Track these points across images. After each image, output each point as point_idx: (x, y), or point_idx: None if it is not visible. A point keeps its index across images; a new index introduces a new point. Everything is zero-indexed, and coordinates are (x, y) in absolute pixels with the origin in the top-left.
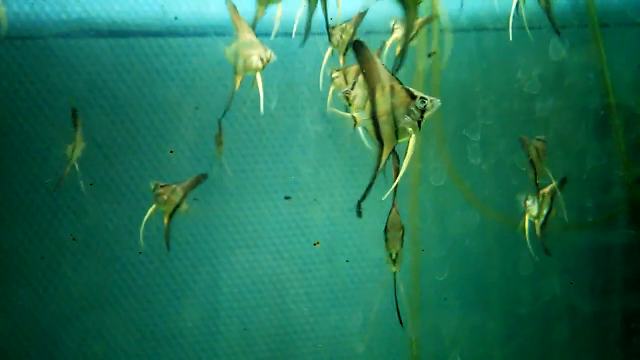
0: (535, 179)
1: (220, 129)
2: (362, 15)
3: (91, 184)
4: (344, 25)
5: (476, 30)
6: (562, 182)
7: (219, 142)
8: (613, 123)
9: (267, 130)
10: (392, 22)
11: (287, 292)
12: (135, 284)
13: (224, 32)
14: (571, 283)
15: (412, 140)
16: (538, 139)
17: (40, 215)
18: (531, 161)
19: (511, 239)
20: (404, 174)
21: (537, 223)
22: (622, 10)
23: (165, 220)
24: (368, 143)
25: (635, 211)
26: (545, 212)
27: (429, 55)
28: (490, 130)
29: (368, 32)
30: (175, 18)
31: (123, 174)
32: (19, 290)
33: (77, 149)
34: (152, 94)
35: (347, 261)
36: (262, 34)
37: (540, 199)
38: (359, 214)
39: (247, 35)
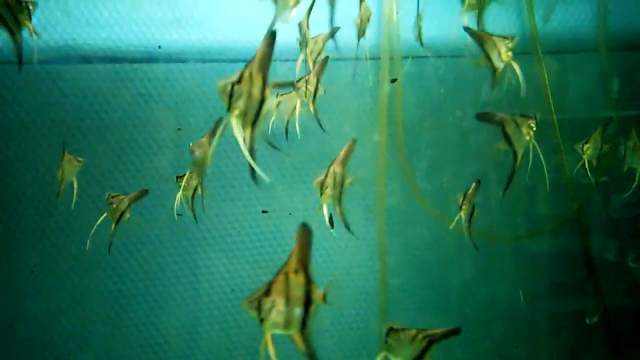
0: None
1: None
2: (323, 64)
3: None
4: (307, 76)
5: (434, 57)
6: (477, 184)
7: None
8: (557, 140)
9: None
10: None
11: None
12: (121, 294)
13: (203, 59)
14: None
15: None
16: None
17: (30, 231)
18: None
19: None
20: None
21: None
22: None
23: (112, 226)
24: None
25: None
26: (468, 211)
27: (392, 81)
28: (449, 145)
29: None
30: (159, 47)
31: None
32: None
33: (67, 170)
34: (137, 116)
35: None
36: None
37: (464, 198)
38: (332, 225)
39: None
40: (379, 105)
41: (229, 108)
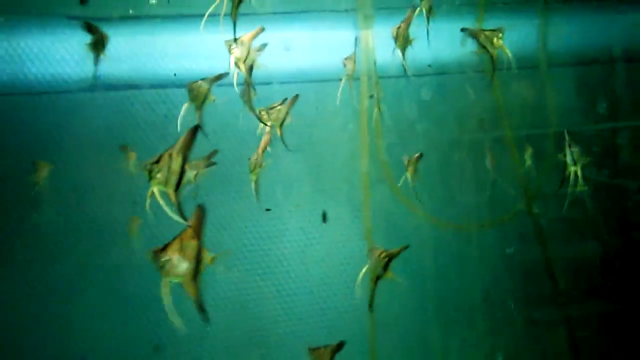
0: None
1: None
2: (294, 99)
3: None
4: (277, 107)
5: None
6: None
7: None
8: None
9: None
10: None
11: (268, 288)
12: (129, 294)
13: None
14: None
15: None
16: None
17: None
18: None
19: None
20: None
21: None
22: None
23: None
24: None
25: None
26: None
27: (370, 97)
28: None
29: None
30: (175, 74)
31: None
32: None
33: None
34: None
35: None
36: None
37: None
38: (324, 219)
39: None
40: (360, 117)
41: (149, 180)
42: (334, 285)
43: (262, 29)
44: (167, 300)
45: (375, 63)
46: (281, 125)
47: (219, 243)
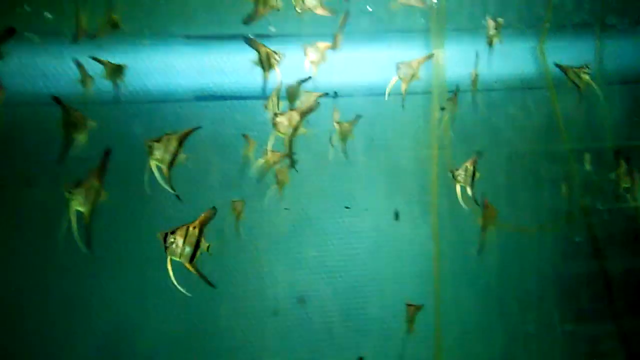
0: None
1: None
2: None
3: None
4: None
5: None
6: (478, 155)
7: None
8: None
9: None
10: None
11: (342, 279)
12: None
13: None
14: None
15: None
16: None
17: None
18: None
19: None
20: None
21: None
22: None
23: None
24: None
25: None
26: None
27: (442, 109)
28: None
29: None
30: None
31: None
32: None
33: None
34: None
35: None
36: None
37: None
38: (396, 217)
39: None
40: (431, 126)
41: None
42: (404, 282)
43: (339, 39)
44: (171, 272)
45: (445, 79)
46: (293, 134)
47: (302, 235)
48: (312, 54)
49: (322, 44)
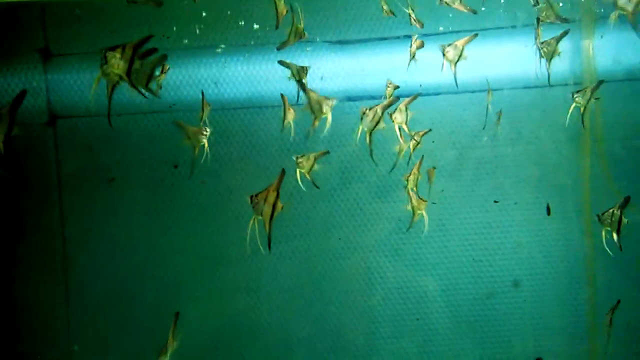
0: None
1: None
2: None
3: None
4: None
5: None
6: (626, 201)
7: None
8: None
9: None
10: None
11: (497, 274)
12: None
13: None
14: None
15: None
16: None
17: None
18: None
19: None
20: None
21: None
22: None
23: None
24: None
25: None
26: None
27: (596, 99)
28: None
29: None
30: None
31: None
32: None
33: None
34: None
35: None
36: None
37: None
38: (548, 212)
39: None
40: (583, 120)
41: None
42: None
43: (476, 35)
44: (250, 228)
45: (596, 70)
46: (374, 128)
47: (451, 229)
48: (450, 52)
49: (461, 41)
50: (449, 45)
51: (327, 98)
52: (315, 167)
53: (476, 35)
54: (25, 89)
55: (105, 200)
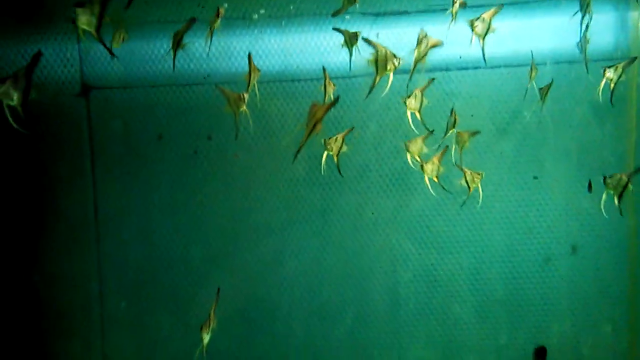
0: None
1: None
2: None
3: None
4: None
5: None
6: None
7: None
8: None
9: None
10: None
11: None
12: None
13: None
14: None
15: None
16: None
17: None
18: None
19: None
20: None
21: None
22: None
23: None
24: None
25: None
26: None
27: None
28: None
29: None
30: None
31: None
32: None
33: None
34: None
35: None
36: None
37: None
38: (590, 188)
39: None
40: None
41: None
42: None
43: (502, 7)
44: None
45: None
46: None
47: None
48: (479, 26)
49: (488, 13)
50: (477, 19)
51: (395, 55)
52: (344, 148)
53: (502, 6)
54: (40, 50)
55: (138, 171)
